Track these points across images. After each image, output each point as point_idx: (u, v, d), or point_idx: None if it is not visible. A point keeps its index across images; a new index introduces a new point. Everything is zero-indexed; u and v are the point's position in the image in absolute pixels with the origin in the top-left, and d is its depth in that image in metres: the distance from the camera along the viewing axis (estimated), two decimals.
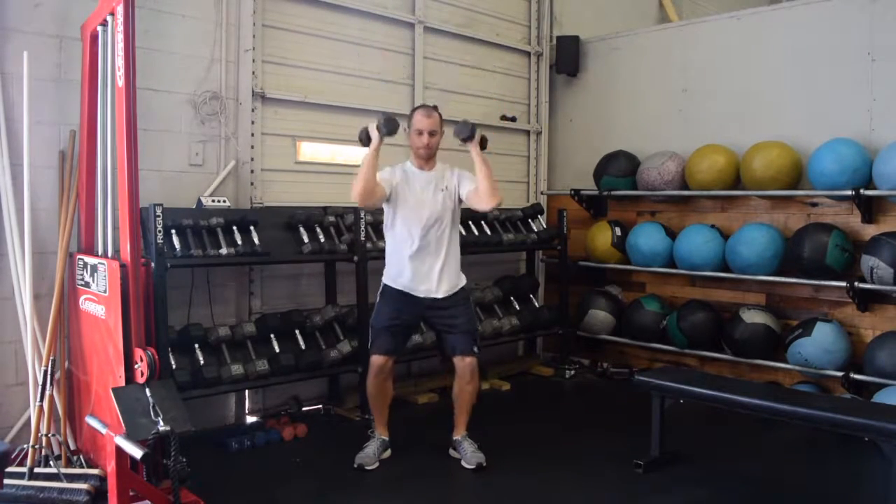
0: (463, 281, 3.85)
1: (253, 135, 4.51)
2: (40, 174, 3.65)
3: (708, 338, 5.10)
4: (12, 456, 3.29)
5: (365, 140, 3.73)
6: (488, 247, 5.30)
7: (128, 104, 3.06)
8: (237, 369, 3.93)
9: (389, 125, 3.62)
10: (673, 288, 5.51)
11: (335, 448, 3.94)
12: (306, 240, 4.37)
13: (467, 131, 3.68)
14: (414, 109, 3.89)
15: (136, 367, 3.06)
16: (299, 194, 4.73)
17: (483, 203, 3.68)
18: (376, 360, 3.72)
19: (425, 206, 3.69)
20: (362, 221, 4.48)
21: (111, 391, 3.00)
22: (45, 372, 3.37)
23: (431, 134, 3.72)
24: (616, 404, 4.95)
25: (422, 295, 3.72)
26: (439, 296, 3.72)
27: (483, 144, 3.78)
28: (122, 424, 2.86)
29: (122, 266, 3.12)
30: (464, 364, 3.71)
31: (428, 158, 3.78)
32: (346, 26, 4.95)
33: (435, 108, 3.84)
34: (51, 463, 3.32)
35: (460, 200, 3.80)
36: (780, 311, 4.94)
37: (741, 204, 5.17)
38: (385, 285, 3.81)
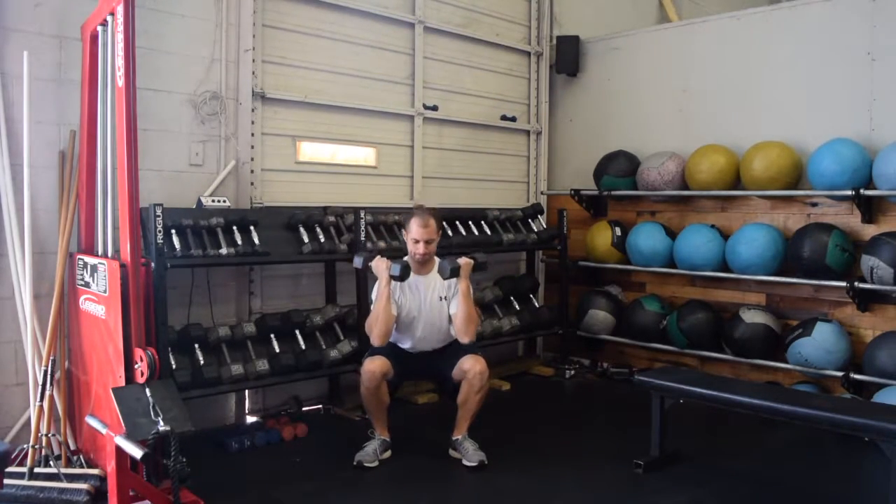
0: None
1: (253, 135, 4.51)
2: (40, 174, 3.65)
3: (708, 338, 5.10)
4: (12, 456, 3.29)
5: (361, 266, 3.87)
6: (488, 247, 5.30)
7: (128, 104, 3.06)
8: (237, 369, 3.93)
9: (404, 273, 3.70)
10: (673, 288, 5.51)
11: (335, 448, 3.94)
12: (306, 240, 4.37)
13: (447, 273, 3.74)
14: (412, 214, 3.87)
15: (136, 367, 3.06)
16: (299, 194, 4.73)
17: (457, 336, 3.81)
18: (368, 365, 3.71)
19: (425, 313, 3.82)
20: (362, 221, 4.48)
21: (111, 391, 3.00)
22: (45, 372, 3.37)
23: (427, 243, 3.79)
24: (616, 404, 4.95)
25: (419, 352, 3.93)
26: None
27: (479, 268, 3.87)
28: (122, 424, 2.86)
29: (122, 266, 3.11)
30: (474, 371, 3.70)
31: (424, 264, 3.85)
32: (346, 26, 4.94)
33: (432, 213, 3.86)
34: (51, 463, 3.32)
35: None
36: (780, 311, 4.94)
37: (741, 204, 5.17)
38: None
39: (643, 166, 5.48)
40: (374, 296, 3.83)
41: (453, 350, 3.84)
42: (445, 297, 3.82)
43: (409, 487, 3.53)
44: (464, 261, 3.78)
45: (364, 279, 4.48)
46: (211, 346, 4.02)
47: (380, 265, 3.75)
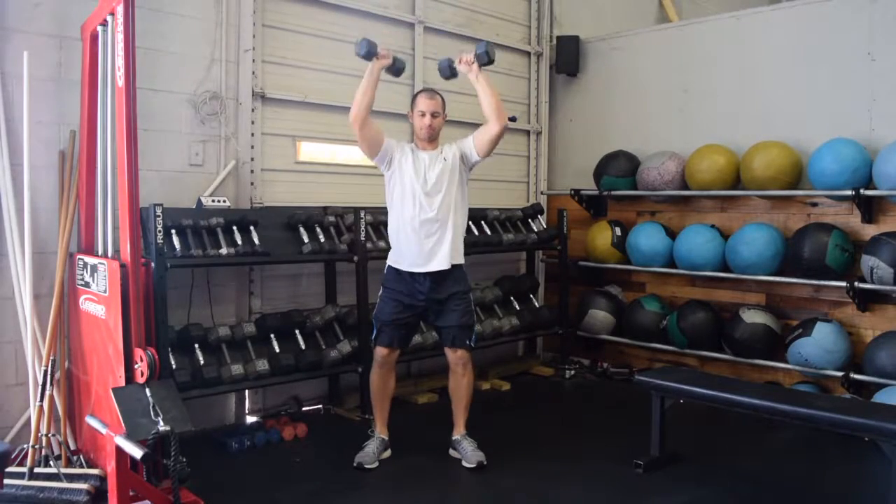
0: (462, 259, 3.81)
1: (253, 135, 4.51)
2: (40, 174, 3.65)
3: (708, 338, 5.10)
4: (12, 456, 3.29)
5: (363, 50, 3.68)
6: (488, 247, 5.30)
7: (128, 104, 3.06)
8: (237, 369, 3.93)
9: (400, 66, 3.68)
10: (673, 288, 5.51)
11: (335, 448, 3.94)
12: (306, 240, 4.37)
13: (446, 68, 3.70)
14: (417, 93, 3.93)
15: (136, 367, 3.06)
16: (299, 194, 4.74)
17: (490, 126, 3.66)
18: (380, 351, 3.75)
19: (423, 176, 3.69)
20: (362, 221, 4.48)
21: (111, 391, 3.00)
22: (45, 372, 3.37)
23: (434, 115, 3.75)
24: (616, 404, 4.95)
25: (426, 270, 3.67)
26: (441, 268, 3.67)
27: (486, 58, 3.65)
28: (122, 424, 2.86)
29: (122, 266, 3.12)
30: (455, 357, 3.75)
31: (430, 140, 3.78)
32: (346, 26, 4.94)
33: (438, 92, 3.87)
34: (51, 463, 3.32)
35: (465, 165, 3.78)
36: (780, 311, 4.94)
37: (741, 204, 5.17)
38: (388, 269, 3.81)
39: (643, 166, 5.49)
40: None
41: (450, 318, 3.72)
42: (446, 158, 3.72)
43: (409, 487, 3.53)
44: (464, 66, 3.69)
45: (364, 279, 4.48)
46: (211, 346, 4.02)
47: (382, 49, 3.69)
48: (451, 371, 3.81)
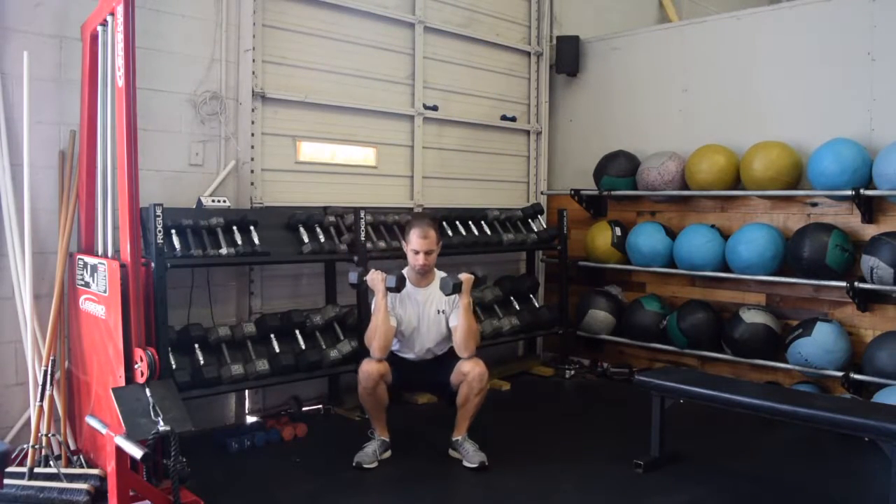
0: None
1: (253, 135, 4.51)
2: (40, 174, 3.65)
3: (708, 338, 5.10)
4: (12, 456, 3.29)
5: (357, 284, 3.85)
6: (488, 247, 5.30)
7: (128, 104, 3.06)
8: (237, 369, 3.93)
9: (400, 285, 3.70)
10: (673, 288, 5.51)
11: (335, 448, 3.94)
12: (306, 240, 4.37)
13: (449, 289, 3.72)
14: (412, 224, 3.85)
15: (136, 367, 3.06)
16: (299, 194, 4.74)
17: (457, 351, 3.80)
18: (364, 366, 3.72)
19: (424, 326, 3.82)
20: (362, 221, 4.48)
21: (111, 391, 3.00)
22: (45, 372, 3.37)
23: (427, 254, 3.78)
24: (616, 404, 4.95)
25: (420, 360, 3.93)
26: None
27: (479, 282, 3.91)
28: (122, 424, 2.86)
29: (122, 266, 3.12)
30: (473, 373, 3.69)
31: (424, 275, 3.84)
32: (346, 26, 4.94)
33: (431, 222, 3.85)
34: (51, 463, 3.31)
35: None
36: (780, 311, 4.94)
37: (741, 204, 5.17)
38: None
39: (643, 166, 5.49)
40: (373, 308, 3.83)
41: (452, 357, 3.83)
42: (443, 311, 3.81)
43: (410, 488, 3.53)
44: (465, 276, 3.77)
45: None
46: (211, 346, 4.02)
47: (375, 278, 3.74)
48: (467, 384, 3.70)
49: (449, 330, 3.81)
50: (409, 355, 3.89)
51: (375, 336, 3.69)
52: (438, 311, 3.82)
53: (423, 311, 3.82)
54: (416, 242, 3.76)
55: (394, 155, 5.28)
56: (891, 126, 4.48)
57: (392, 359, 3.81)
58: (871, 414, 3.22)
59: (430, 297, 3.82)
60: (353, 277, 3.85)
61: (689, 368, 5.19)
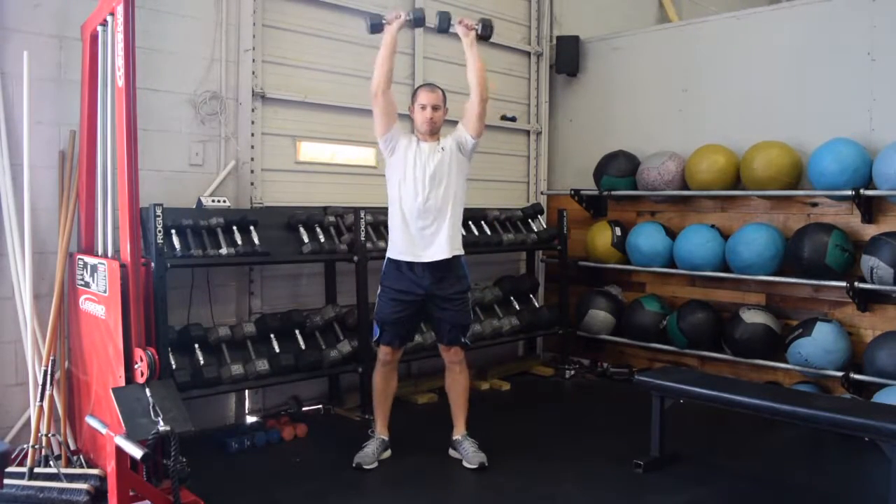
0: (461, 251, 3.82)
1: (253, 135, 4.51)
2: (40, 174, 3.65)
3: (708, 338, 5.10)
4: (12, 456, 3.29)
5: (374, 25, 3.72)
6: (488, 247, 5.30)
7: (128, 104, 3.06)
8: (237, 369, 3.93)
9: (415, 15, 3.67)
10: (673, 288, 5.51)
11: (335, 448, 3.94)
12: (306, 240, 4.37)
13: (445, 24, 3.69)
14: (417, 87, 3.95)
15: (136, 367, 3.06)
16: (299, 194, 4.74)
17: (472, 100, 3.73)
18: (384, 350, 3.77)
19: (423, 166, 3.70)
20: (362, 221, 4.48)
21: (111, 391, 3.00)
22: (45, 372, 3.37)
23: (435, 108, 3.75)
24: (616, 404, 4.95)
25: (425, 260, 3.67)
26: (440, 257, 3.67)
27: (487, 31, 3.76)
28: (122, 424, 2.86)
29: (122, 266, 3.11)
30: (449, 354, 3.78)
31: (431, 134, 3.79)
32: (346, 26, 4.94)
33: (439, 86, 3.88)
34: (51, 463, 3.31)
35: (463, 154, 3.79)
36: (780, 311, 4.94)
37: (741, 204, 5.17)
38: (388, 263, 3.79)
39: (643, 166, 5.48)
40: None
41: (447, 316, 3.72)
42: (445, 147, 3.75)
43: (410, 488, 3.53)
44: (467, 21, 3.73)
45: (364, 279, 4.48)
46: (211, 346, 4.02)
47: (391, 14, 3.71)
48: (448, 369, 3.85)
49: (450, 166, 3.72)
50: (413, 213, 3.65)
51: (378, 63, 3.65)
52: (442, 149, 3.74)
53: (428, 159, 3.71)
54: (424, 96, 3.76)
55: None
56: (891, 126, 4.48)
57: (399, 297, 3.71)
58: (871, 414, 3.22)
59: (436, 149, 3.74)
60: (367, 21, 3.74)
61: (689, 368, 5.19)
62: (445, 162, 3.73)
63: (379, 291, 3.83)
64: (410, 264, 3.70)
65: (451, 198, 3.72)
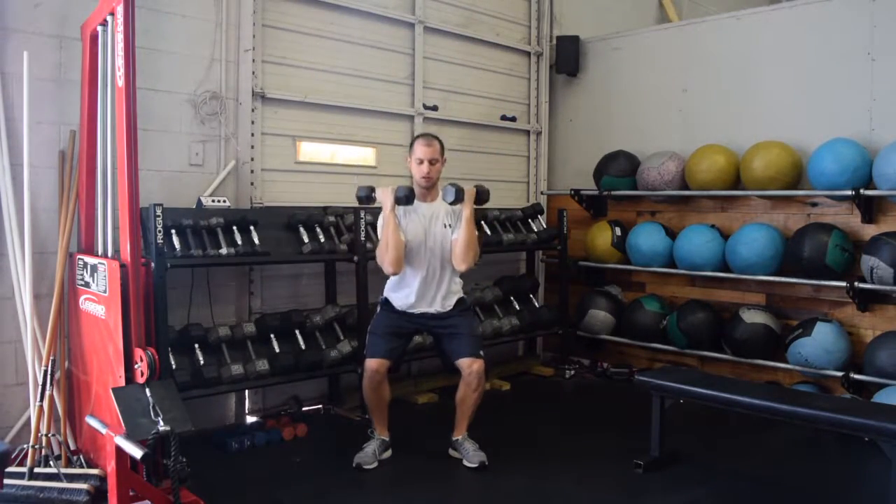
0: (462, 294, 3.93)
1: (253, 135, 4.51)
2: (40, 174, 3.65)
3: (708, 338, 5.10)
4: (12, 456, 3.29)
5: (364, 198, 3.78)
6: (488, 247, 5.29)
7: (128, 104, 3.06)
8: (237, 369, 3.93)
9: (410, 196, 3.67)
10: (673, 288, 5.51)
11: (335, 448, 3.94)
12: (306, 240, 4.37)
13: (451, 196, 3.71)
14: (415, 138, 3.92)
15: (136, 367, 3.06)
16: (299, 194, 4.74)
17: (455, 262, 3.76)
18: (370, 363, 3.72)
19: (429, 241, 3.75)
20: (362, 221, 4.48)
21: (111, 391, 3.00)
22: (45, 372, 3.37)
23: (432, 163, 3.75)
24: (616, 404, 4.95)
25: (422, 310, 3.80)
26: (439, 310, 3.80)
27: (481, 197, 3.85)
28: (122, 424, 2.86)
29: (122, 266, 3.11)
30: (471, 370, 3.69)
31: (429, 188, 3.81)
32: (346, 26, 4.94)
33: (436, 137, 3.87)
34: (51, 463, 3.31)
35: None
36: (780, 311, 4.94)
37: (741, 204, 5.17)
38: (387, 299, 3.88)
39: (643, 166, 5.48)
40: (379, 225, 3.79)
41: (458, 333, 3.77)
42: (450, 225, 3.77)
43: (410, 488, 3.53)
44: (468, 188, 3.77)
45: (364, 279, 4.48)
46: (211, 346, 4.02)
47: (384, 192, 3.71)
48: (464, 382, 3.72)
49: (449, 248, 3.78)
50: (417, 279, 3.75)
51: (387, 249, 3.64)
52: (445, 226, 3.77)
53: (429, 225, 3.76)
54: (421, 150, 3.75)
55: (394, 155, 5.27)
56: (891, 126, 4.48)
57: (392, 321, 3.78)
58: (871, 414, 3.22)
59: (437, 212, 3.78)
60: (362, 192, 3.77)
61: (689, 368, 5.19)
62: (448, 238, 3.77)
63: (379, 309, 3.90)
64: (409, 313, 3.80)
65: (450, 265, 3.79)
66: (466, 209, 3.71)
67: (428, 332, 3.90)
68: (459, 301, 3.89)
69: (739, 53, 5.25)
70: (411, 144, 3.89)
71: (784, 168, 4.76)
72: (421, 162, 3.74)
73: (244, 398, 4.51)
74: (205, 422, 4.15)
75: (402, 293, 3.81)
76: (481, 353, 3.78)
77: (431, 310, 3.80)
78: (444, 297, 3.81)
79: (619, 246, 5.62)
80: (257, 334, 4.19)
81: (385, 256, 3.65)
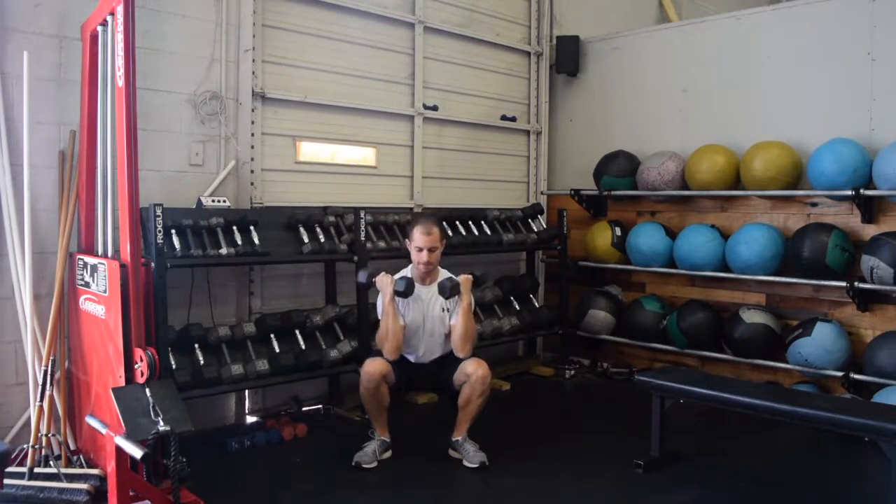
0: None
1: (253, 135, 4.51)
2: (40, 174, 3.65)
3: (708, 338, 5.10)
4: (12, 456, 3.29)
5: (365, 285, 3.88)
6: (488, 247, 5.30)
7: (128, 104, 3.06)
8: (237, 369, 3.93)
9: (408, 289, 3.71)
10: (673, 288, 5.51)
11: (335, 448, 3.94)
12: (306, 240, 4.37)
13: (447, 292, 3.74)
14: (415, 221, 3.91)
15: (136, 367, 3.06)
16: (299, 194, 4.74)
17: (454, 349, 3.81)
18: (367, 366, 3.72)
19: (428, 323, 3.82)
20: (362, 221, 4.48)
21: (111, 391, 3.00)
22: (45, 372, 3.37)
23: (431, 251, 3.78)
24: (616, 404, 4.95)
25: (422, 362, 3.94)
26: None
27: (478, 282, 3.90)
28: (122, 424, 2.86)
29: (122, 266, 3.11)
30: (477, 376, 3.69)
31: (428, 273, 3.83)
32: (346, 26, 4.95)
33: (435, 220, 3.88)
34: (51, 463, 3.31)
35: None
36: (780, 311, 4.94)
37: (741, 204, 5.17)
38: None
39: (643, 166, 5.48)
40: (378, 308, 3.85)
41: (454, 358, 3.83)
42: (447, 309, 3.83)
43: (410, 488, 3.53)
44: (464, 278, 3.80)
45: None
46: (211, 346, 4.02)
47: (384, 281, 3.75)
48: (470, 385, 3.70)
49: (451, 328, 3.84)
50: (412, 357, 3.89)
51: (387, 338, 3.71)
52: (443, 310, 3.83)
53: (427, 309, 3.82)
54: (420, 239, 3.77)
55: (394, 155, 5.28)
56: (891, 126, 4.48)
57: (396, 360, 3.81)
58: (871, 414, 3.22)
59: (435, 295, 3.82)
60: (362, 277, 3.86)
61: (689, 368, 5.19)
62: (447, 322, 3.83)
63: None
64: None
65: (445, 343, 3.88)
66: (464, 299, 3.76)
67: (425, 370, 3.94)
68: None
69: (739, 53, 5.25)
70: (411, 228, 3.87)
71: (784, 168, 4.76)
72: (420, 250, 3.78)
73: (244, 398, 4.51)
74: (205, 422, 4.16)
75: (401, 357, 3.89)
76: (482, 358, 3.81)
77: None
78: (439, 354, 3.92)
79: (619, 246, 5.62)
80: (257, 334, 4.19)
81: (385, 344, 3.74)
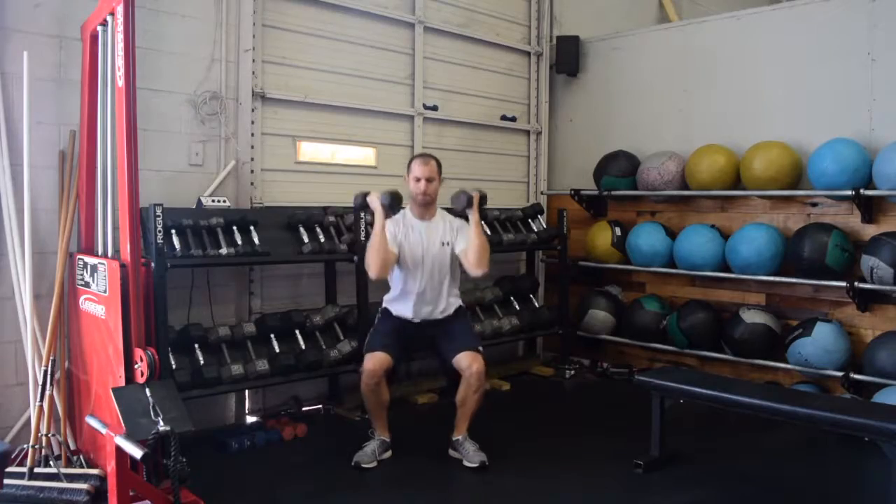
0: (461, 303, 4.03)
1: (253, 135, 4.51)
2: (40, 174, 3.65)
3: (708, 338, 5.10)
4: (12, 456, 3.29)
5: (359, 207, 3.92)
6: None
7: (128, 104, 3.06)
8: (237, 369, 3.93)
9: (393, 201, 3.74)
10: (673, 288, 5.51)
11: (335, 448, 3.94)
12: (306, 240, 4.37)
13: (463, 202, 3.80)
14: (412, 158, 3.99)
15: (136, 367, 3.06)
16: (299, 194, 4.74)
17: (469, 269, 3.83)
18: (367, 362, 3.72)
19: (428, 258, 3.82)
20: (362, 221, 4.48)
21: (111, 391, 3.00)
22: (45, 372, 3.37)
23: (429, 180, 3.82)
24: (616, 404, 4.95)
25: (420, 319, 3.88)
26: (437, 318, 3.89)
27: (483, 201, 3.91)
28: (122, 424, 2.86)
29: (122, 266, 3.11)
30: (471, 371, 3.70)
31: (426, 205, 3.87)
32: (346, 26, 4.95)
33: (433, 157, 3.95)
34: (51, 463, 3.31)
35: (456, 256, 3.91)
36: (780, 311, 4.94)
37: (741, 204, 5.17)
38: (386, 308, 3.96)
39: (643, 166, 5.48)
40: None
41: (454, 331, 3.84)
42: (447, 243, 3.84)
43: (410, 488, 3.53)
44: (475, 193, 3.83)
45: (364, 279, 4.47)
46: (211, 346, 4.02)
47: (374, 198, 3.79)
48: (465, 383, 3.72)
49: (453, 262, 3.86)
50: (412, 298, 3.84)
51: (373, 253, 3.70)
52: (443, 244, 3.84)
53: (427, 243, 3.82)
54: (418, 169, 3.82)
55: (394, 155, 5.27)
56: (891, 126, 4.48)
57: (393, 326, 3.84)
58: (871, 414, 3.22)
59: (434, 230, 3.84)
60: (356, 200, 3.92)
61: (689, 368, 5.19)
62: (446, 255, 3.84)
63: (378, 315, 3.97)
64: (409, 320, 3.88)
65: (448, 280, 3.88)
66: (474, 215, 3.78)
67: (426, 338, 3.92)
68: (458, 309, 3.97)
69: (739, 53, 5.25)
70: (409, 164, 3.95)
71: (784, 168, 4.76)
72: (418, 180, 3.82)
73: (244, 398, 4.51)
74: (205, 422, 4.15)
75: (400, 306, 3.89)
76: (480, 348, 3.81)
77: (429, 318, 3.89)
78: (442, 311, 3.91)
79: (619, 246, 5.62)
80: (257, 334, 4.19)
81: (371, 261, 3.71)
